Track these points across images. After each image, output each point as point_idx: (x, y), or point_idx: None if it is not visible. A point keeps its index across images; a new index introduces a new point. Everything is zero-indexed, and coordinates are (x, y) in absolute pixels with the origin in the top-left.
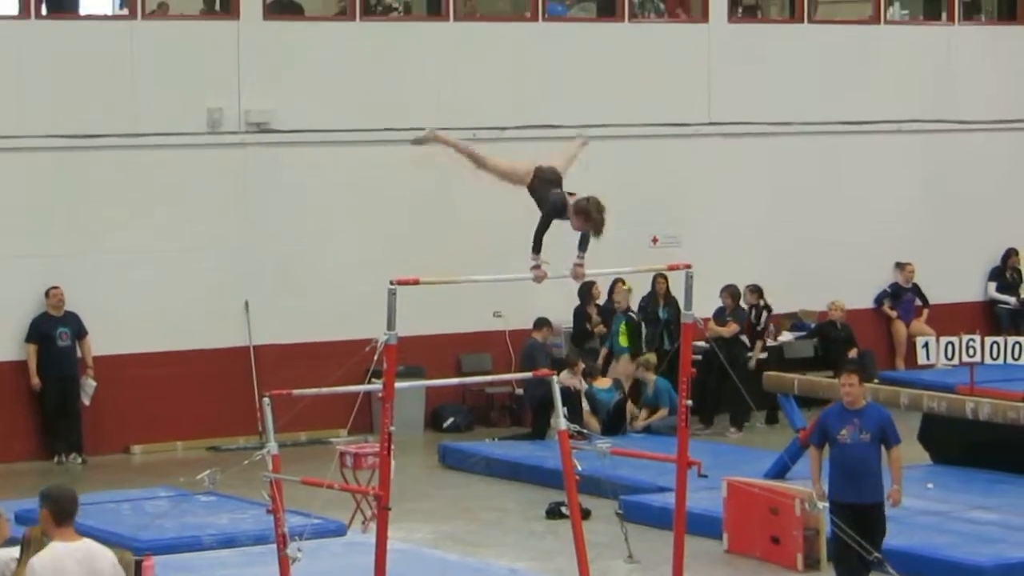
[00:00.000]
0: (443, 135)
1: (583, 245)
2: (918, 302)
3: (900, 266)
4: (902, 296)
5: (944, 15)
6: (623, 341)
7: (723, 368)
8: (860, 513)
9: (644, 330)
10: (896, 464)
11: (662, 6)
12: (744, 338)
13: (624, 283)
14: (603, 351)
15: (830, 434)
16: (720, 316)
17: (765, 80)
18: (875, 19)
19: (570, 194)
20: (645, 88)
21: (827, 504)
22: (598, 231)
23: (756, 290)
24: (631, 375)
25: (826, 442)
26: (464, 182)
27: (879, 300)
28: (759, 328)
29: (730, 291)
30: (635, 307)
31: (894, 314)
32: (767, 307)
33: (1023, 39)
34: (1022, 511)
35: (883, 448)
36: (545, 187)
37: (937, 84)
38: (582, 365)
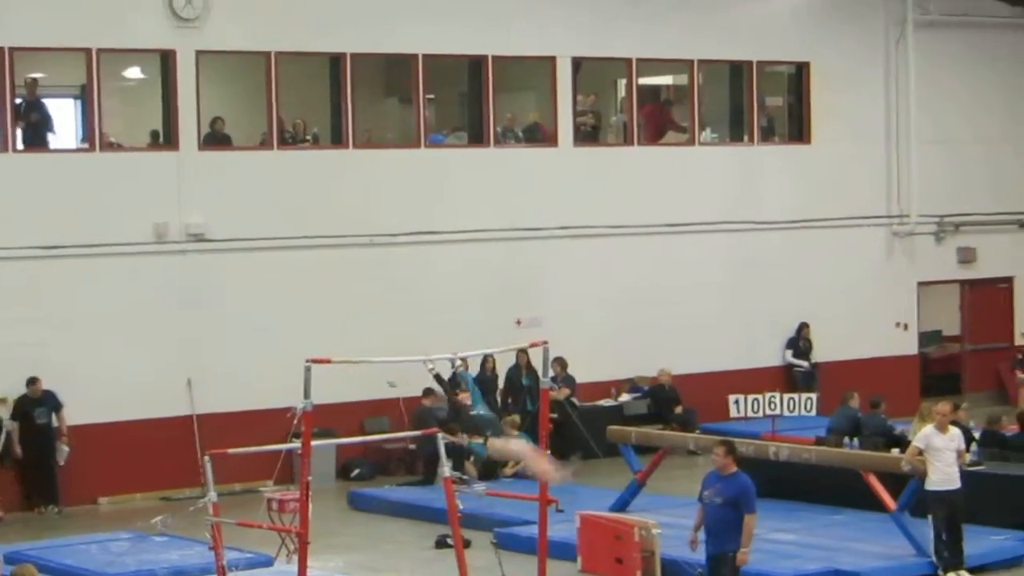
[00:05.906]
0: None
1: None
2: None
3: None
4: None
5: (746, 137)
6: None
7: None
8: (712, 559)
9: None
10: (747, 529)
11: (520, 134)
12: (574, 399)
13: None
14: None
15: (701, 493)
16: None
17: (604, 191)
18: (691, 142)
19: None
20: (508, 199)
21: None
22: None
23: (561, 362)
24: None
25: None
26: (361, 279)
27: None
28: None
29: (560, 362)
30: (502, 377)
31: None
32: (571, 377)
33: (809, 155)
34: (814, 532)
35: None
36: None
37: (742, 192)
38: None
